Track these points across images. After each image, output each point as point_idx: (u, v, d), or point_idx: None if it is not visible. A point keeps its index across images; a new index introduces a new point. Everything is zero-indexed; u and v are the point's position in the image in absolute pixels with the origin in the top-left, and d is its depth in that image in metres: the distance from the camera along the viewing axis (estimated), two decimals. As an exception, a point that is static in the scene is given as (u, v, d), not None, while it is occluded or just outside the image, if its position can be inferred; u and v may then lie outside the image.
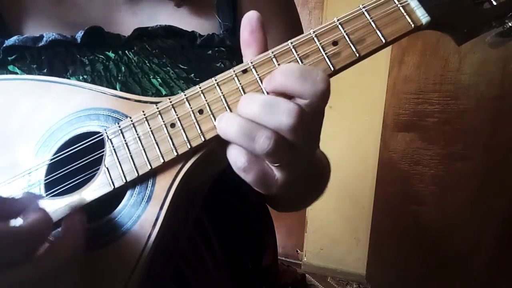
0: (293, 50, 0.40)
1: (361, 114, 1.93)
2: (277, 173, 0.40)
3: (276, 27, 0.62)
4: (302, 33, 0.67)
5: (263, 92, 0.40)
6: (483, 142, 1.60)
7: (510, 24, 0.39)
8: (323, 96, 0.37)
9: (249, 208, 0.63)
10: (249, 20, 0.41)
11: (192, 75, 0.54)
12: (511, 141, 1.55)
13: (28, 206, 0.37)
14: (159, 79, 0.53)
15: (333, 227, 2.11)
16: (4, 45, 0.51)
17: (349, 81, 1.61)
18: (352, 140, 1.97)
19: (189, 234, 0.52)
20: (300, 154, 0.39)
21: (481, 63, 1.53)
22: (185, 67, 0.54)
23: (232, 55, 0.57)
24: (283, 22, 0.63)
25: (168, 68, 0.54)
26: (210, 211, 0.54)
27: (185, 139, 0.41)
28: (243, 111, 0.38)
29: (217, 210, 0.56)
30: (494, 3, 0.39)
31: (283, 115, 0.36)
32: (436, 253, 1.76)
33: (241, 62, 0.49)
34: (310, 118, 0.37)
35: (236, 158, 0.39)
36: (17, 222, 0.36)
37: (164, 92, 0.52)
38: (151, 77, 0.53)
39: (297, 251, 2.29)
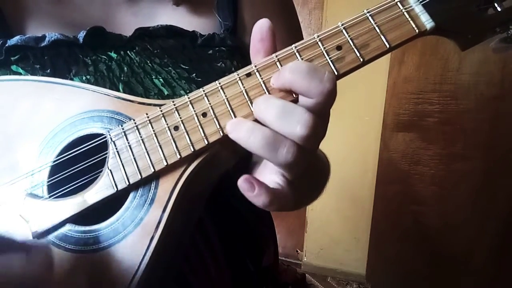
0: (297, 54, 0.40)
1: (361, 114, 1.93)
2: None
3: (275, 29, 0.62)
4: (302, 35, 0.67)
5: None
6: (483, 142, 1.60)
7: (514, 30, 0.39)
8: (329, 96, 0.37)
9: (250, 209, 0.62)
10: (260, 28, 0.41)
11: (194, 75, 0.54)
12: (511, 141, 1.55)
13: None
14: (161, 79, 0.53)
15: (333, 227, 2.12)
16: (7, 45, 0.50)
17: (349, 81, 1.61)
18: (352, 140, 1.97)
19: (190, 235, 0.52)
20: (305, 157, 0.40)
21: (481, 63, 1.54)
22: (187, 67, 0.54)
23: (233, 55, 0.57)
24: (282, 24, 0.63)
25: (169, 68, 0.54)
26: (211, 211, 0.54)
27: (189, 142, 0.41)
28: (259, 114, 0.38)
29: (218, 210, 0.56)
30: (499, 9, 0.39)
31: (297, 125, 0.36)
32: (436, 253, 1.76)
33: (242, 61, 0.49)
34: (320, 123, 0.38)
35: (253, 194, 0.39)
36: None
37: (166, 92, 0.52)
38: (153, 77, 0.53)
39: (297, 251, 2.29)
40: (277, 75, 0.39)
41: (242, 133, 0.38)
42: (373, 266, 1.98)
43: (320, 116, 0.39)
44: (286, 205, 0.41)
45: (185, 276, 0.52)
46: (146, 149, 0.42)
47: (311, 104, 0.37)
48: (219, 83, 0.41)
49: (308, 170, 0.42)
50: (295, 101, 0.39)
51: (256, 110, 0.39)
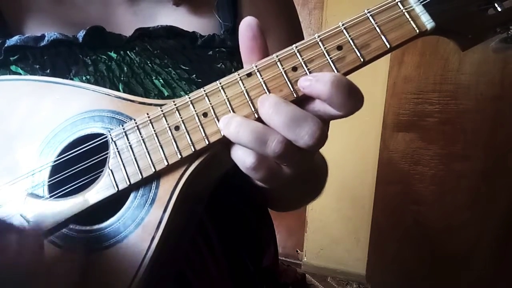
0: (297, 54, 0.40)
1: (361, 114, 1.92)
2: (285, 169, 0.40)
3: (275, 29, 0.62)
4: (302, 34, 0.67)
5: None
6: (483, 142, 1.60)
7: (514, 30, 0.39)
8: (355, 112, 0.38)
9: (250, 209, 0.63)
10: (250, 26, 0.41)
11: (194, 75, 0.54)
12: (511, 141, 1.55)
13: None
14: (161, 80, 0.53)
15: (333, 227, 2.12)
16: (6, 45, 0.50)
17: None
18: (352, 140, 1.97)
19: (191, 235, 0.53)
20: (307, 154, 0.40)
21: (481, 63, 1.54)
22: (187, 68, 0.54)
23: (233, 56, 0.57)
24: (283, 24, 0.63)
25: (170, 68, 0.53)
26: (212, 211, 0.54)
27: (189, 142, 0.41)
28: (267, 118, 0.38)
29: (218, 210, 0.56)
30: (499, 9, 0.39)
31: (306, 135, 0.36)
32: (436, 253, 1.76)
33: (242, 62, 0.49)
34: (327, 130, 0.38)
35: (244, 158, 0.39)
36: None
37: (166, 93, 0.52)
38: (153, 77, 0.53)
39: (297, 251, 2.29)
40: (314, 83, 0.38)
41: (232, 128, 0.39)
42: (373, 266, 1.98)
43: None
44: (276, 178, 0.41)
45: (185, 276, 0.52)
46: (147, 149, 0.42)
47: (334, 115, 0.38)
48: (220, 83, 0.41)
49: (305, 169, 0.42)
50: (296, 101, 0.39)
51: (264, 114, 0.39)
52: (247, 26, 0.41)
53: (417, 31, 0.40)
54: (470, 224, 1.67)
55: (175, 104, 0.42)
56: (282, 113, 0.37)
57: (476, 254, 1.68)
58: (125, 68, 0.53)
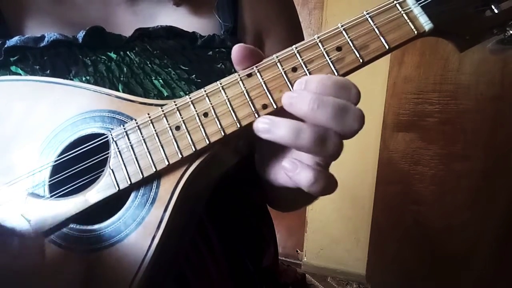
0: (297, 55, 0.41)
1: (361, 114, 1.93)
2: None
3: (275, 29, 0.62)
4: (302, 34, 0.68)
5: (271, 102, 0.41)
6: (483, 142, 1.60)
7: (511, 32, 0.39)
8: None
9: (250, 209, 0.63)
10: (239, 50, 0.41)
11: (194, 76, 0.54)
12: (511, 141, 1.55)
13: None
14: (160, 80, 0.53)
15: (333, 227, 2.12)
16: (6, 46, 0.50)
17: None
18: (352, 140, 1.95)
19: (191, 235, 0.53)
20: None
21: (480, 63, 1.53)
22: (186, 68, 0.54)
23: None
24: (282, 24, 0.63)
25: (169, 69, 0.54)
26: (211, 211, 0.54)
27: (190, 142, 0.41)
28: (313, 115, 0.38)
29: (218, 210, 0.56)
30: (496, 11, 0.39)
31: (354, 121, 0.38)
32: (436, 253, 1.76)
33: None
34: None
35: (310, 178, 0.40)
36: None
37: (166, 93, 0.52)
38: (153, 78, 0.53)
39: (297, 251, 2.29)
40: (334, 83, 0.39)
41: (289, 132, 0.38)
42: (373, 266, 1.98)
43: None
44: (330, 184, 0.42)
45: (185, 276, 0.52)
46: (147, 149, 0.42)
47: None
48: (220, 84, 0.42)
49: None
50: None
51: (311, 111, 0.37)
52: (236, 51, 0.41)
53: (415, 32, 0.40)
54: (470, 224, 1.67)
55: (175, 104, 0.42)
56: (329, 106, 0.37)
57: (476, 254, 1.68)
58: (125, 69, 0.53)
